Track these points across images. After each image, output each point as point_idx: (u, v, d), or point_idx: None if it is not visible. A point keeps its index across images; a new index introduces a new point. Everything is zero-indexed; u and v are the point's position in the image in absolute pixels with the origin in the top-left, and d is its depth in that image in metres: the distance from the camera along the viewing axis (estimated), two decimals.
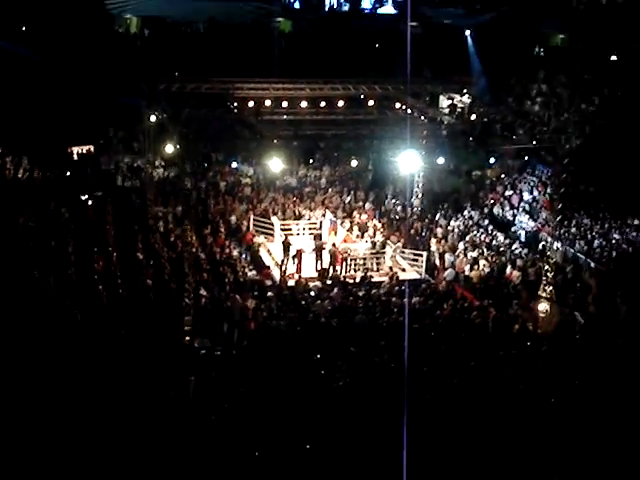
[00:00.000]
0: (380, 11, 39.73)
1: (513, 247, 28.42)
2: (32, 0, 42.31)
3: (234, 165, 26.04)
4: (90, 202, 29.31)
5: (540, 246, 28.87)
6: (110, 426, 16.36)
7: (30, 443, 15.05)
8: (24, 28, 42.50)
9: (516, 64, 42.50)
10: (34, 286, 22.36)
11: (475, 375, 19.82)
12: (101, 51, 40.36)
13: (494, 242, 28.87)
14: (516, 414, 18.44)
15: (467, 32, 45.57)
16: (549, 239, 27.77)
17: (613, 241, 28.50)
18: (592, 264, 26.81)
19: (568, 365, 20.51)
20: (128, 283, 23.67)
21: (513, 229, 30.89)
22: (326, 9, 40.83)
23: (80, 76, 38.88)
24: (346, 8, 40.33)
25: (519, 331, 22.70)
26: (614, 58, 40.92)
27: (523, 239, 30.14)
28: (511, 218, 31.42)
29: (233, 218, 30.40)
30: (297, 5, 40.37)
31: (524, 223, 30.90)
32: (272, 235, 29.64)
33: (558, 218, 29.35)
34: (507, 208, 31.99)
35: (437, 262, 28.21)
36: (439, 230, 30.21)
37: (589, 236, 28.93)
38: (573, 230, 29.45)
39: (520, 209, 31.75)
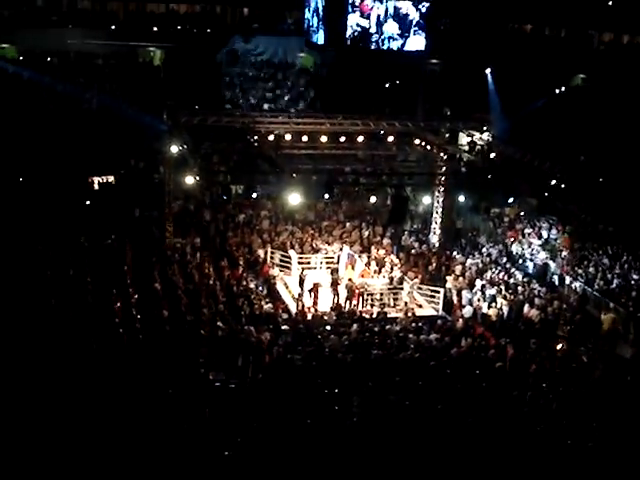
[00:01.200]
0: (407, 47, 39.87)
1: (532, 285, 28.26)
2: (57, 31, 42.97)
3: (255, 194, 26.16)
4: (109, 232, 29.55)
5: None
6: (125, 457, 16.34)
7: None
8: (49, 58, 43.14)
9: (535, 103, 42.64)
10: (51, 315, 22.46)
11: (490, 414, 19.65)
12: (125, 82, 40.88)
13: (512, 280, 28.73)
14: (532, 455, 18.26)
15: (487, 70, 45.81)
16: (568, 278, 27.60)
17: (632, 281, 28.27)
18: (611, 304, 26.58)
19: (585, 406, 20.31)
20: (145, 314, 23.72)
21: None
22: (348, 42, 40.99)
23: (102, 106, 39.37)
24: (376, 47, 40.39)
25: (536, 370, 22.49)
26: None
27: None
28: (529, 256, 31.28)
29: (251, 251, 30.49)
30: (321, 40, 40.51)
31: (537, 258, 30.83)
32: (289, 268, 29.66)
33: (577, 257, 29.21)
34: (526, 246, 31.88)
35: (454, 299, 28.08)
36: (457, 267, 30.12)
37: (608, 276, 28.74)
38: (592, 269, 29.27)
39: (538, 247, 31.61)
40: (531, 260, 30.86)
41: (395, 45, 40.80)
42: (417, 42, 39.39)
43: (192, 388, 20.25)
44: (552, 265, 30.35)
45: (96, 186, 34.35)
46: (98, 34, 43.42)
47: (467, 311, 27.02)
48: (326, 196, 29.37)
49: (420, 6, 39.19)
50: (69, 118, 37.66)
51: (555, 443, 18.55)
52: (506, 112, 41.79)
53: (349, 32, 38.84)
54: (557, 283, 29.33)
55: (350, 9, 39.55)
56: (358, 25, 39.28)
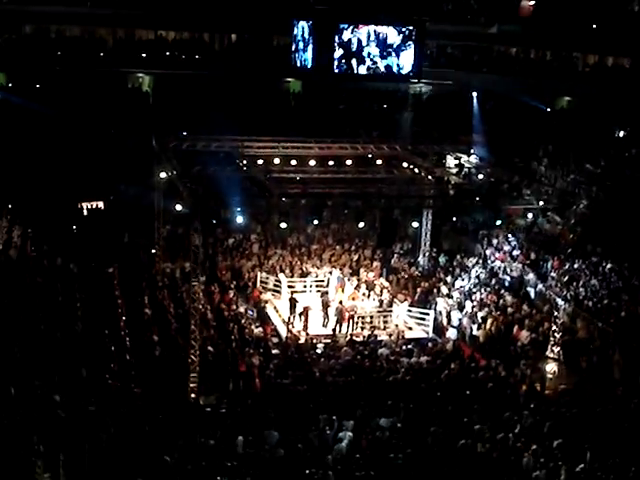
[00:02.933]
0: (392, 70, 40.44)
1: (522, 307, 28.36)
2: (46, 58, 43.13)
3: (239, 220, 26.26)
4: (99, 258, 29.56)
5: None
6: None
7: None
8: (38, 85, 43.22)
9: (522, 126, 42.94)
10: (40, 341, 22.37)
11: (481, 436, 19.65)
12: (114, 108, 40.96)
13: (501, 301, 28.80)
14: (523, 476, 18.27)
15: (474, 94, 46.14)
16: (558, 300, 27.72)
17: (622, 302, 28.36)
18: (600, 324, 26.66)
19: (575, 427, 20.34)
20: (135, 339, 23.67)
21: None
22: (335, 69, 41.30)
23: (92, 132, 39.43)
24: (362, 71, 40.80)
25: (526, 392, 22.52)
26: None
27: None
28: (517, 276, 31.36)
29: (241, 275, 30.53)
30: (308, 64, 40.82)
31: (513, 271, 31.05)
32: (279, 292, 29.70)
33: (566, 278, 29.31)
34: (514, 267, 31.97)
35: (444, 321, 28.15)
36: (446, 289, 30.21)
37: (597, 296, 28.83)
38: (581, 290, 29.36)
39: (526, 268, 31.72)
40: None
41: (381, 67, 41.44)
42: (404, 63, 40.09)
43: (183, 413, 20.19)
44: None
45: (85, 212, 34.34)
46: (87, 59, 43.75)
47: (451, 333, 27.13)
48: (315, 220, 29.52)
49: (403, 30, 39.94)
50: (58, 144, 37.69)
51: (547, 464, 18.56)
52: (490, 135, 42.08)
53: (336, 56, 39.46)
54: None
55: (337, 39, 40.20)
56: (343, 49, 39.92)
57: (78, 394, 19.72)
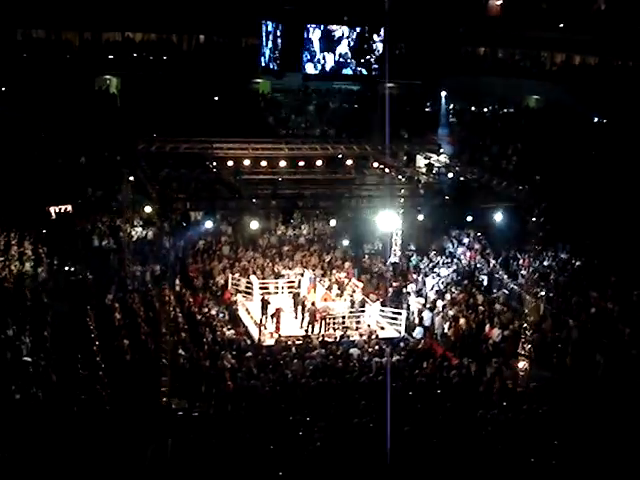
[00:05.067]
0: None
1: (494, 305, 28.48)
2: (12, 61, 42.68)
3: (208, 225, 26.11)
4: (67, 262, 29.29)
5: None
6: None
7: None
8: (3, 89, 42.79)
9: (490, 123, 43.23)
10: (8, 346, 22.11)
11: (455, 434, 19.68)
12: (81, 111, 40.63)
13: (472, 300, 28.89)
14: (496, 473, 18.32)
15: (443, 93, 46.44)
16: (528, 297, 27.87)
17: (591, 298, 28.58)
18: (570, 321, 26.82)
19: (547, 424, 20.44)
20: (105, 343, 23.46)
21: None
22: (305, 70, 41.60)
23: (59, 135, 39.08)
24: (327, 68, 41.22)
25: (498, 390, 22.60)
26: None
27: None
28: (487, 274, 31.50)
29: (211, 277, 30.37)
30: (274, 66, 41.07)
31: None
32: (251, 294, 29.57)
33: (536, 275, 29.49)
34: (485, 265, 32.12)
35: (416, 320, 28.19)
36: (417, 288, 30.25)
37: (567, 293, 29.03)
38: (551, 287, 29.55)
39: (497, 266, 31.88)
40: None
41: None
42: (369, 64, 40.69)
43: (154, 417, 20.03)
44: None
45: (53, 215, 33.98)
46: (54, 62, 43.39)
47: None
48: (286, 221, 29.45)
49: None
50: (25, 148, 37.33)
51: (519, 461, 18.64)
52: (457, 134, 42.37)
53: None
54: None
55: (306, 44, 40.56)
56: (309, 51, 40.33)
57: (48, 398, 19.54)
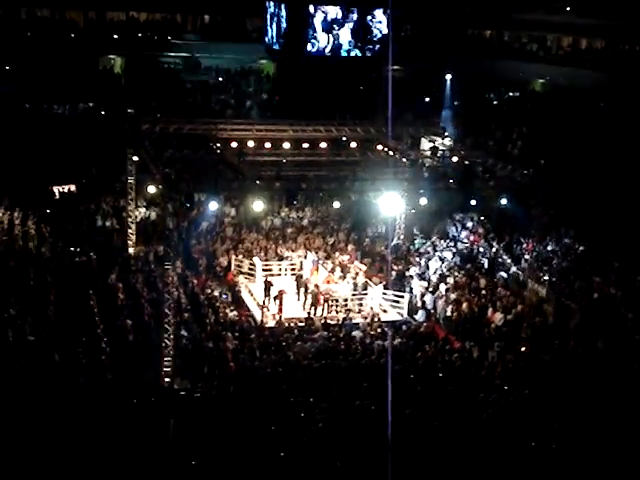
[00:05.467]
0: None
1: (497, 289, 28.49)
2: (16, 40, 42.55)
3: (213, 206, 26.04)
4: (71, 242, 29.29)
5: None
6: (90, 468, 16.17)
7: None
8: (8, 67, 42.66)
9: (495, 107, 43.04)
10: (11, 325, 22.17)
11: (456, 418, 19.74)
12: (85, 90, 40.55)
13: (474, 284, 28.89)
14: (497, 457, 18.37)
15: (448, 77, 46.22)
16: (530, 280, 27.86)
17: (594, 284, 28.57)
18: (573, 305, 26.84)
19: (549, 407, 20.49)
20: (108, 323, 23.50)
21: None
22: (309, 49, 41.53)
23: (63, 115, 39.01)
24: (328, 50, 41.07)
25: (500, 373, 22.64)
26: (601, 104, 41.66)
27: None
28: (490, 258, 31.47)
29: (214, 258, 30.38)
30: (277, 47, 40.96)
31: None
32: (254, 276, 29.59)
33: (539, 260, 29.47)
34: (488, 249, 32.10)
35: (419, 303, 28.20)
36: (420, 271, 30.25)
37: (570, 278, 29.02)
38: (554, 272, 29.53)
39: (500, 250, 31.85)
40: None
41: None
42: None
43: (157, 397, 20.11)
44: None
45: (57, 195, 33.97)
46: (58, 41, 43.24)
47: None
48: (290, 203, 29.40)
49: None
50: (29, 127, 37.26)
51: (520, 445, 18.70)
52: (462, 117, 42.18)
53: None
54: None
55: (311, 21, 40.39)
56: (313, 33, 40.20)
57: (51, 379, 19.60)
